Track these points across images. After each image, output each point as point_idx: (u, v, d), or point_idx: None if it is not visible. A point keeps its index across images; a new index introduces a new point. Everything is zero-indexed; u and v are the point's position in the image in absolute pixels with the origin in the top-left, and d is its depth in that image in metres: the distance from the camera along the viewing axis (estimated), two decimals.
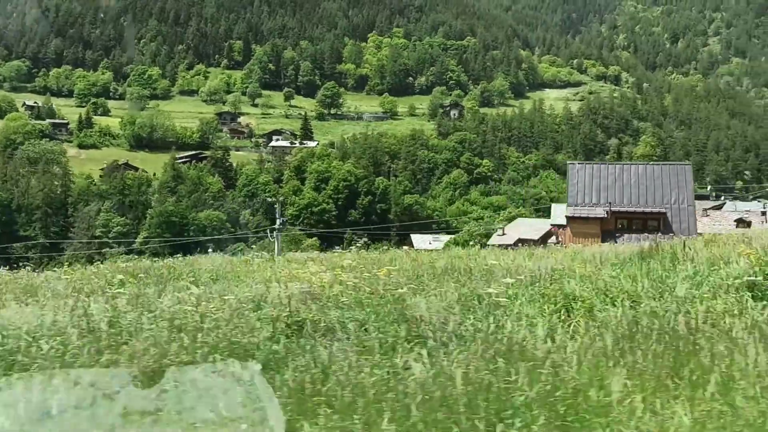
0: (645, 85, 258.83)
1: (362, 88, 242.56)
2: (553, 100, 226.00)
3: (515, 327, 5.16)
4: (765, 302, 6.22)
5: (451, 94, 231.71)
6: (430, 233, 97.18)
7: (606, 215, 38.37)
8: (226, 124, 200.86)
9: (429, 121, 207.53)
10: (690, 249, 9.55)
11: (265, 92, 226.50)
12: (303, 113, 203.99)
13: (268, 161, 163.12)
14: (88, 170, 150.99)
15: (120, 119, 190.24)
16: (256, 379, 3.48)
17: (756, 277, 6.90)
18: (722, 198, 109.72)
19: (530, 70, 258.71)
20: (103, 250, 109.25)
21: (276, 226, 48.34)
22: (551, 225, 68.29)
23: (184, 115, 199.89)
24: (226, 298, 6.39)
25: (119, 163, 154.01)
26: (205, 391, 3.36)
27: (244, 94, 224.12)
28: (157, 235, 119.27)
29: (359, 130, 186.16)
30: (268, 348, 4.73)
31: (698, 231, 38.63)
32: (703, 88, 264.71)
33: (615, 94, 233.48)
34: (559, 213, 60.70)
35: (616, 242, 34.95)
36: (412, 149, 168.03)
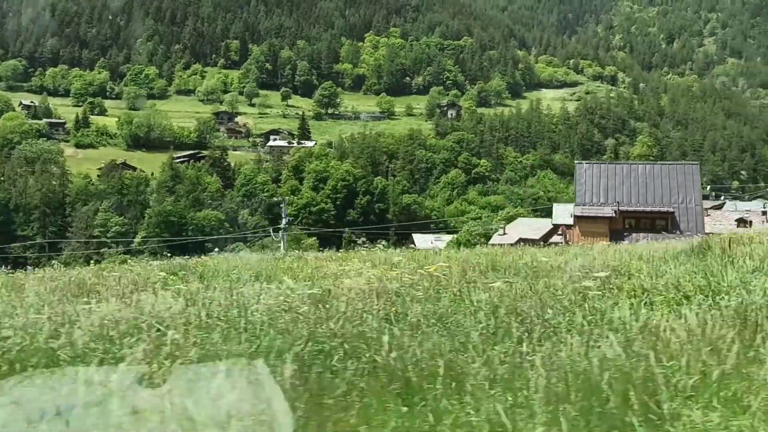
0: (641, 85, 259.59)
1: (359, 87, 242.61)
2: (550, 100, 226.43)
3: (639, 315, 5.19)
4: None
5: (448, 94, 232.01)
6: (430, 233, 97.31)
7: (614, 214, 38.53)
8: (224, 123, 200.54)
9: (426, 121, 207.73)
10: (735, 246, 9.57)
11: (262, 92, 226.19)
12: (300, 113, 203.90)
13: (266, 161, 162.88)
14: (85, 170, 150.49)
15: (117, 119, 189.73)
16: None
17: None
18: (722, 198, 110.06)
19: (527, 70, 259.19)
20: (102, 250, 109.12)
21: (282, 226, 48.27)
22: (553, 224, 68.50)
23: (181, 114, 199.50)
24: (309, 292, 6.38)
25: (117, 162, 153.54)
26: None
27: (241, 93, 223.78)
28: (156, 235, 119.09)
29: (357, 130, 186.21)
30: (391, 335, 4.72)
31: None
32: (699, 89, 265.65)
33: (611, 95, 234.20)
34: (561, 212, 60.78)
35: (624, 241, 35.06)
36: (410, 149, 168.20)
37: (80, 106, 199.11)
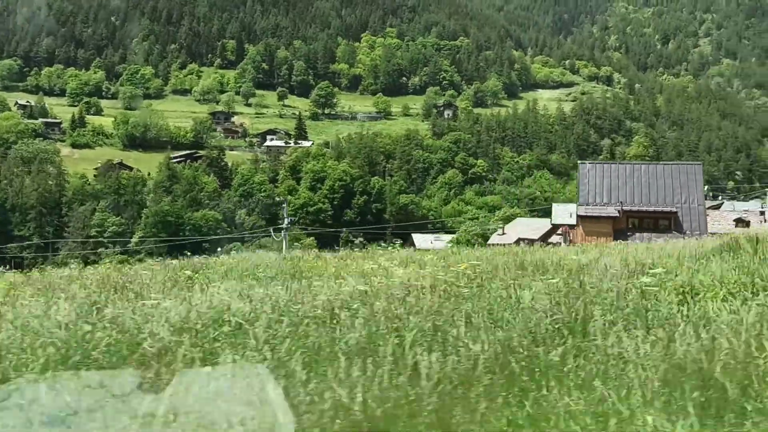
0: (637, 85, 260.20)
1: (356, 87, 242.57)
2: (546, 100, 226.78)
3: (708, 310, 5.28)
4: None
5: (444, 94, 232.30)
6: (428, 233, 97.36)
7: (618, 214, 38.69)
8: (220, 123, 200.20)
9: (423, 121, 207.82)
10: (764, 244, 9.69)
11: (258, 92, 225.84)
12: (297, 113, 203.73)
13: (263, 161, 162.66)
14: (81, 170, 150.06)
15: (113, 119, 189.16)
16: None
17: None
18: (720, 198, 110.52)
19: (523, 70, 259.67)
20: (99, 250, 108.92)
21: (284, 226, 48.30)
22: (552, 224, 68.66)
23: (178, 114, 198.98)
24: (361, 288, 6.45)
25: (113, 162, 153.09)
26: None
27: (237, 93, 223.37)
28: (153, 235, 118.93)
29: (353, 130, 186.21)
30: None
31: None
32: (694, 89, 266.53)
33: (607, 95, 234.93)
34: (561, 213, 60.89)
35: (627, 241, 35.20)
36: (407, 149, 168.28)
37: (76, 106, 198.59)
